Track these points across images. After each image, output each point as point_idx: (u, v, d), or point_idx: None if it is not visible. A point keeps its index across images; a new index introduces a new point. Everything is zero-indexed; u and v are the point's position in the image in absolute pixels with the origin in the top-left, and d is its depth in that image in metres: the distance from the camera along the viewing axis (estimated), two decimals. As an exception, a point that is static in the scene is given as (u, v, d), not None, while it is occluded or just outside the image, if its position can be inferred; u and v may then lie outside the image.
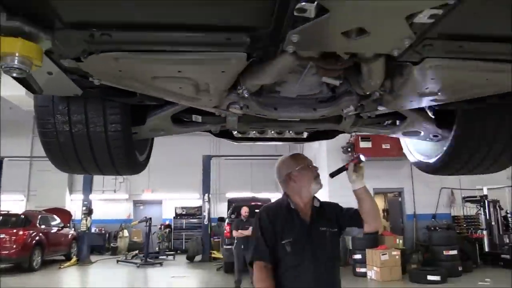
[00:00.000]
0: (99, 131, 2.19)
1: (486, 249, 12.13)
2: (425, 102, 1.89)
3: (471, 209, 13.69)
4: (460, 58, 1.41)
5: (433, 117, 2.29)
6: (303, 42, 1.32)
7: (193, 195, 18.63)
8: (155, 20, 1.27)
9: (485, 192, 12.82)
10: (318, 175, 2.32)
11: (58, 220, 14.19)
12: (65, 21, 1.23)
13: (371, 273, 10.23)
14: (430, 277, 9.47)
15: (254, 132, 2.83)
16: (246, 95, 1.80)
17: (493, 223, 12.38)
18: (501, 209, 12.73)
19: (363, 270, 10.55)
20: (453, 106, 2.01)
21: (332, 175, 2.39)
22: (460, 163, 2.21)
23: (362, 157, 2.21)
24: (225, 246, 11.19)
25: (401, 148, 12.76)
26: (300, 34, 1.27)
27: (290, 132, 2.89)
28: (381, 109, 2.02)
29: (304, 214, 2.27)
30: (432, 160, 2.51)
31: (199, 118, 2.47)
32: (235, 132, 2.80)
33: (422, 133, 2.43)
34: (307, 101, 2.08)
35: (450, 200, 14.04)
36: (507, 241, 12.46)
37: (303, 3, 1.09)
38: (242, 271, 8.87)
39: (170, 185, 18.28)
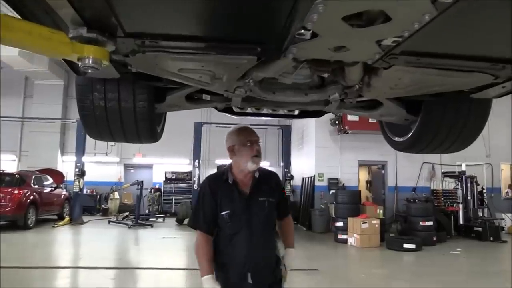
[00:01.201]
0: (129, 107, 2.63)
1: (461, 221, 12.85)
2: (395, 94, 2.31)
3: (449, 184, 14.36)
4: (418, 66, 1.80)
5: (404, 105, 2.71)
6: (300, 53, 1.72)
7: (183, 161, 19.05)
8: (192, 34, 1.65)
9: (463, 168, 13.44)
10: (257, 155, 2.41)
11: (51, 181, 14.54)
12: (126, 32, 1.59)
13: (352, 240, 10.87)
14: (406, 245, 10.13)
15: (252, 108, 3.23)
16: (252, 84, 2.20)
17: (469, 197, 13.07)
18: (477, 184, 13.41)
19: (344, 237, 11.18)
20: (419, 97, 2.44)
21: None
22: (423, 143, 2.67)
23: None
24: (214, 211, 11.69)
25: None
26: (298, 48, 1.66)
27: (283, 109, 3.30)
28: (361, 97, 2.42)
29: (244, 186, 2.44)
30: (401, 139, 2.93)
31: (208, 97, 2.88)
32: (234, 108, 3.20)
33: (395, 117, 2.85)
34: (300, 87, 2.46)
35: (431, 175, 14.69)
36: (481, 214, 13.23)
37: (302, 31, 1.49)
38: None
39: (161, 150, 18.62)
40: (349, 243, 10.93)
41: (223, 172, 2.50)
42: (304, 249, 10.34)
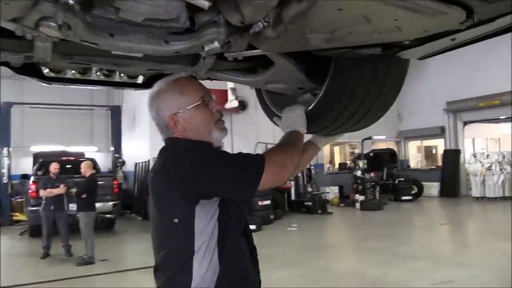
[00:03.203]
0: None
1: (293, 197, 13.51)
2: (313, 43, 1.48)
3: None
4: None
5: (302, 66, 1.92)
6: None
7: (-12, 149, 15.89)
8: None
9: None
10: (221, 116, 1.60)
11: None
12: None
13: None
14: (247, 227, 10.04)
15: (73, 71, 2.18)
16: (71, 2, 1.21)
17: (299, 174, 13.79)
18: (306, 161, 14.25)
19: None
20: (337, 52, 1.62)
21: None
22: (328, 119, 1.88)
23: None
24: (30, 208, 9.83)
25: (224, 103, 12.74)
26: None
27: (122, 75, 2.34)
28: (251, 51, 1.63)
29: None
30: None
31: None
32: (46, 70, 2.10)
33: (287, 85, 2.06)
34: (156, 31, 1.54)
35: (264, 154, 15.08)
36: (310, 190, 14.12)
37: None
38: (51, 236, 7.91)
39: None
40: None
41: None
42: (141, 242, 9.40)
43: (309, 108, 1.91)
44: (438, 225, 10.63)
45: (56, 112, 16.41)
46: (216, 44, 1.52)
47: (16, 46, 1.59)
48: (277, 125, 2.17)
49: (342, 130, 2.05)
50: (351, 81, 1.71)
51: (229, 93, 13.79)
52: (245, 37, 1.47)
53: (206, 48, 1.55)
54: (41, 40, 1.42)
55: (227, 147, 14.42)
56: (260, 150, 15.08)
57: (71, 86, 2.49)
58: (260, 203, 11.24)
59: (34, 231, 9.63)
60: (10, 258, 8.49)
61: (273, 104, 2.22)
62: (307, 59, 1.87)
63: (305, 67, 1.90)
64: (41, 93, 15.26)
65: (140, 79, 2.42)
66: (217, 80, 2.20)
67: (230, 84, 13.39)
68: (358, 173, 14.44)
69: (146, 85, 2.45)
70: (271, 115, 2.22)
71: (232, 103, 13.77)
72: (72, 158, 12.24)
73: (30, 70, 1.98)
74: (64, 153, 13.54)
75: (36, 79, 2.06)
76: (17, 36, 1.35)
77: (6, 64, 1.79)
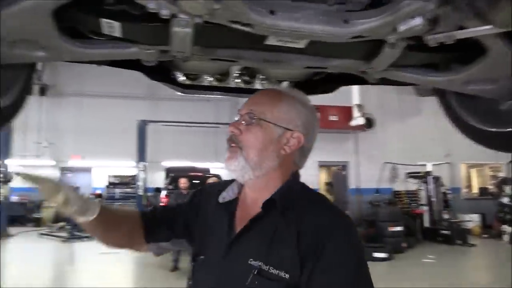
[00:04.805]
0: None
1: (426, 224, 12.20)
2: None
3: (411, 185, 13.71)
4: None
5: None
6: None
7: (128, 163, 17.31)
8: None
9: (428, 168, 12.78)
10: (228, 141, 1.27)
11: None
12: None
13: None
14: (376, 254, 9.20)
15: (211, 78, 1.81)
16: None
17: (433, 199, 12.42)
18: (441, 185, 12.82)
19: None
20: None
21: None
22: None
23: None
24: (161, 221, 10.26)
25: (349, 120, 11.99)
26: None
27: (264, 81, 1.93)
28: (467, 29, 1.08)
29: (244, 214, 1.16)
30: (508, 129, 1.51)
31: (114, 27, 1.21)
32: (182, 78, 1.77)
33: (498, 85, 1.43)
34: (329, 7, 1.13)
35: (392, 175, 14.01)
36: (446, 216, 12.63)
37: None
38: (180, 250, 8.05)
39: (102, 151, 16.80)
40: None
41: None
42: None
43: None
44: None
45: (185, 129, 17.30)
46: (417, 20, 1.04)
47: (148, 34, 1.26)
48: (481, 143, 1.60)
49: None
50: None
51: (355, 109, 13.05)
52: (463, 7, 0.97)
53: (402, 27, 1.07)
54: (179, 24, 1.09)
55: (352, 167, 13.69)
56: (387, 171, 14.06)
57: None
58: (390, 228, 10.30)
59: (165, 243, 9.98)
60: (140, 268, 8.87)
61: (466, 111, 1.62)
62: None
63: None
64: (173, 111, 16.28)
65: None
66: (392, 83, 1.62)
67: (356, 100, 12.70)
68: (505, 200, 12.55)
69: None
70: (461, 125, 1.63)
71: (358, 120, 12.99)
72: (200, 174, 12.62)
73: (164, 75, 1.72)
74: (193, 169, 14.09)
75: (171, 86, 1.78)
76: (149, 21, 1.06)
77: (137, 65, 1.49)
